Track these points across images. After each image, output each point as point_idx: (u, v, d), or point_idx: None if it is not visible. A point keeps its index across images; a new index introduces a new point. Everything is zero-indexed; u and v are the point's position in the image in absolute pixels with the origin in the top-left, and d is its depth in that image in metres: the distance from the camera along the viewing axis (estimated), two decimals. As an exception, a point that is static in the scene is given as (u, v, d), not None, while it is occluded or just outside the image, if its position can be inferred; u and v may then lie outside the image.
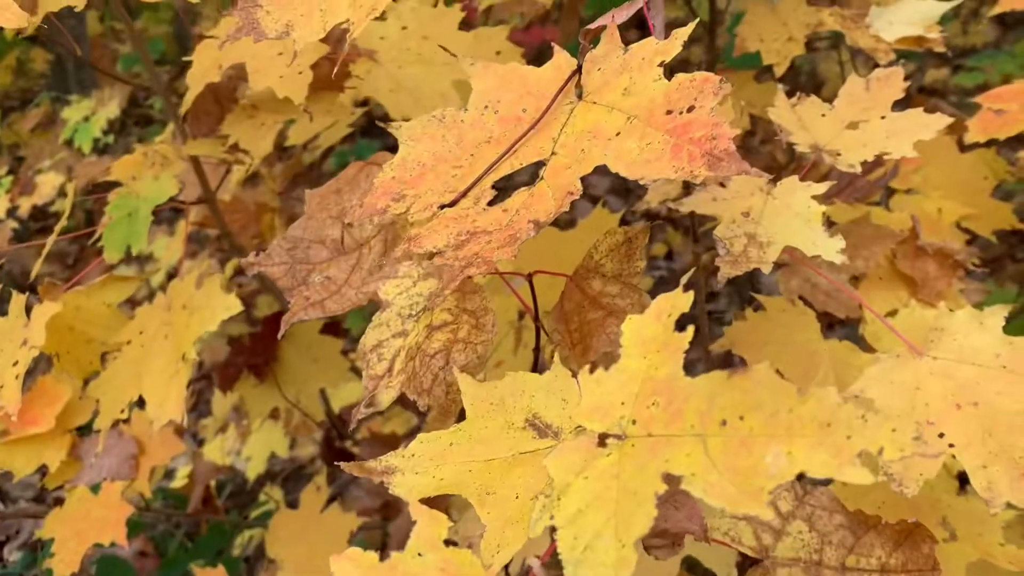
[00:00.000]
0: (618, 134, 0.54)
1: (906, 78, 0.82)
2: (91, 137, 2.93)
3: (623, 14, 0.58)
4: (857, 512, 0.60)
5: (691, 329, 0.37)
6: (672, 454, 0.34)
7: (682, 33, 0.54)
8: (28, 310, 0.85)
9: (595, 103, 0.57)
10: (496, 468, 0.47)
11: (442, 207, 0.55)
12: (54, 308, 0.81)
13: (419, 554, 0.38)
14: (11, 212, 2.84)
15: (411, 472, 0.48)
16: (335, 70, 0.87)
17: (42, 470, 1.17)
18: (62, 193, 2.98)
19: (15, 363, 0.81)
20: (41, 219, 3.18)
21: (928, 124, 0.76)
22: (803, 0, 1.15)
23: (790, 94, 0.85)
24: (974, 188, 1.17)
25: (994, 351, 0.66)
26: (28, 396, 1.18)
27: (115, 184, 1.03)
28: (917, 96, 1.44)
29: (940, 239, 1.01)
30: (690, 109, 0.51)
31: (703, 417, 0.34)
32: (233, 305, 0.81)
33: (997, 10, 1.04)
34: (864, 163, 0.77)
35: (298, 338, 1.19)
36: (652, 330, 0.39)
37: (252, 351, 1.17)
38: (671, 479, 0.33)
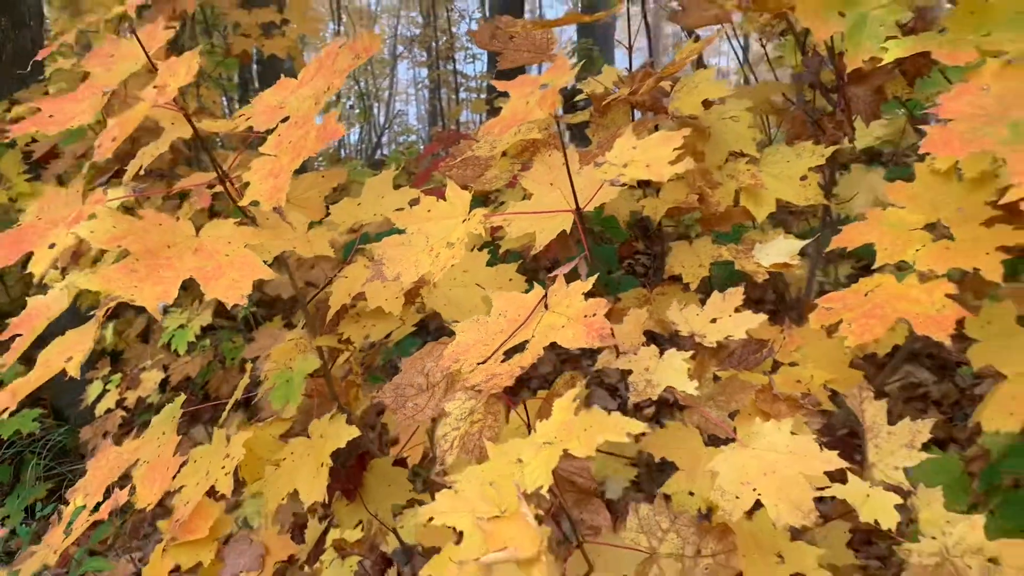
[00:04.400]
0: (563, 326, 1.11)
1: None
2: (186, 341, 3.56)
3: (565, 270, 1.17)
4: (702, 525, 1.11)
5: (571, 393, 0.92)
6: (567, 444, 0.89)
7: (591, 280, 1.13)
8: (228, 438, 1.41)
9: (553, 311, 1.15)
10: (503, 472, 1.00)
11: (479, 363, 1.11)
12: (248, 435, 1.37)
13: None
14: (120, 403, 3.45)
15: (464, 480, 1.01)
16: (414, 292, 1.48)
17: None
18: (161, 387, 3.59)
19: (223, 467, 1.36)
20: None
21: (751, 320, 1.33)
22: (710, 240, 1.77)
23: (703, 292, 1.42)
24: (836, 361, 1.71)
25: (785, 444, 1.18)
26: (191, 514, 1.71)
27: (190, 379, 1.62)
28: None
29: (801, 392, 1.55)
30: (594, 315, 1.08)
31: (576, 430, 0.89)
32: (354, 432, 1.36)
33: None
34: (718, 342, 1.33)
35: (377, 469, 1.71)
36: (564, 403, 0.94)
37: (345, 479, 1.69)
38: (569, 456, 0.88)
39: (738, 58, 2.71)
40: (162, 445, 1.46)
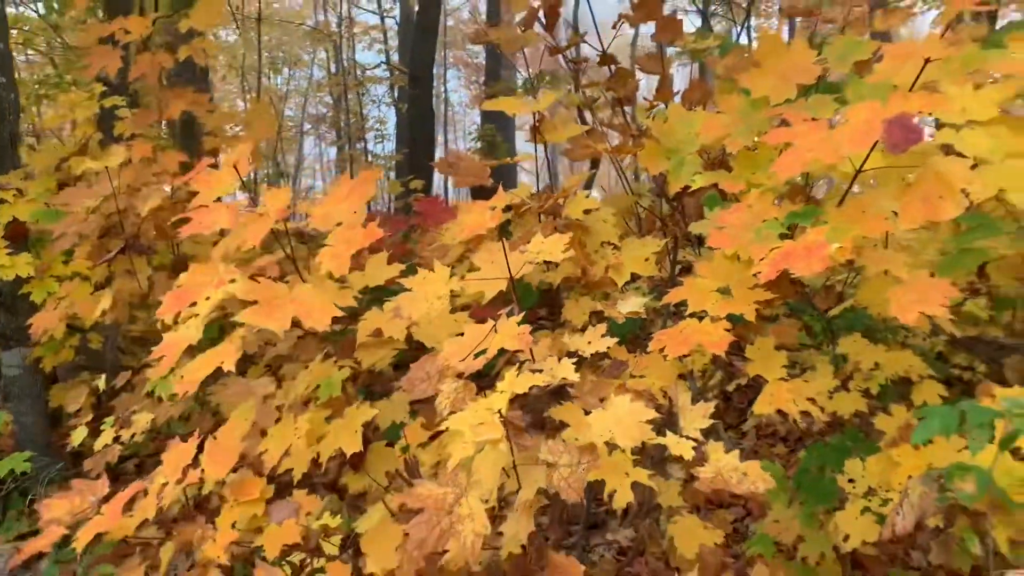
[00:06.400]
0: (505, 340, 2.04)
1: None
2: (169, 390, 4.26)
3: (506, 311, 2.11)
4: (580, 447, 2.04)
5: (516, 370, 1.85)
6: (513, 390, 1.81)
7: (517, 318, 2.07)
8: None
9: (500, 334, 2.08)
10: (480, 409, 1.91)
11: (460, 361, 2.04)
12: (310, 414, 2.23)
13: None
14: (116, 439, 4.12)
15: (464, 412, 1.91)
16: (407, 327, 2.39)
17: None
18: (149, 430, 4.27)
19: (296, 435, 2.21)
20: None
21: (608, 341, 2.29)
22: (590, 298, 2.74)
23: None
24: (671, 375, 2.69)
25: (626, 407, 2.13)
26: (245, 482, 2.52)
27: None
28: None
29: (645, 390, 2.51)
30: (522, 333, 2.02)
31: (516, 384, 1.81)
32: (371, 414, 2.25)
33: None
34: (592, 355, 2.28)
35: (375, 449, 2.56)
36: (511, 372, 1.87)
37: (353, 456, 2.53)
38: (511, 409, 1.80)
39: (620, 175, 3.75)
40: (229, 434, 2.29)
